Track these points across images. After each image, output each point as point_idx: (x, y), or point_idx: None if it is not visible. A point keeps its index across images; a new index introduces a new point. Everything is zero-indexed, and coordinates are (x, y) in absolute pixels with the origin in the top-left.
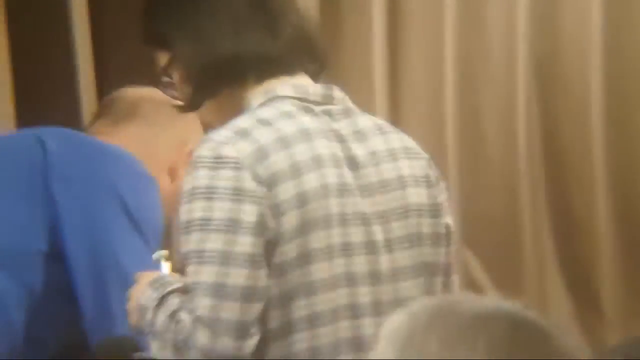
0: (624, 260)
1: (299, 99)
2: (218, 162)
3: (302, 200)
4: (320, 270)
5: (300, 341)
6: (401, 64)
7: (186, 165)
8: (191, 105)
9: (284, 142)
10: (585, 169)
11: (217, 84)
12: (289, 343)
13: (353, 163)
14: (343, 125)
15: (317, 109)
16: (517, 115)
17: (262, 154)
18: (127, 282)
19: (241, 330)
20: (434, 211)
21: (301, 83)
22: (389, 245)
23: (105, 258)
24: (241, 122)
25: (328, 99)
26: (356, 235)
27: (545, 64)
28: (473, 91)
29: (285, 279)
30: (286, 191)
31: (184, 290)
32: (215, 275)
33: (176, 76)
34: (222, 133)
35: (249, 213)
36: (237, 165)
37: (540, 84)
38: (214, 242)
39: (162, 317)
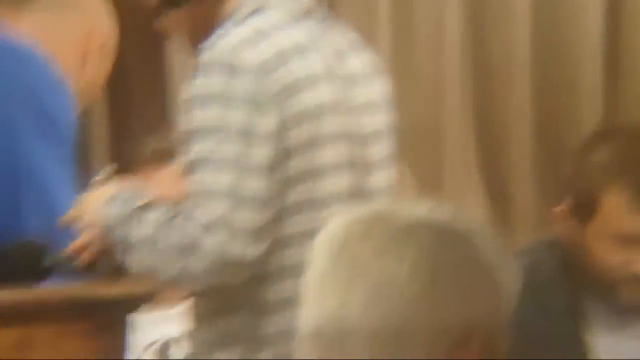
0: (538, 171)
1: (290, 9)
2: (234, 68)
3: (300, 119)
4: (329, 184)
5: (294, 255)
6: None
7: (97, 52)
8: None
9: (300, 51)
10: (510, 86)
11: None
12: (283, 255)
13: (344, 80)
14: (329, 39)
15: (311, 19)
16: (446, 31)
17: (281, 59)
18: (40, 183)
19: (255, 235)
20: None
21: None
22: (372, 165)
23: (19, 160)
24: (243, 29)
25: (314, 10)
26: (346, 155)
27: None
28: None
29: (292, 191)
30: (290, 108)
31: (165, 201)
32: (231, 181)
33: None
34: (235, 37)
35: (265, 123)
36: (256, 71)
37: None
38: (230, 150)
39: (147, 229)
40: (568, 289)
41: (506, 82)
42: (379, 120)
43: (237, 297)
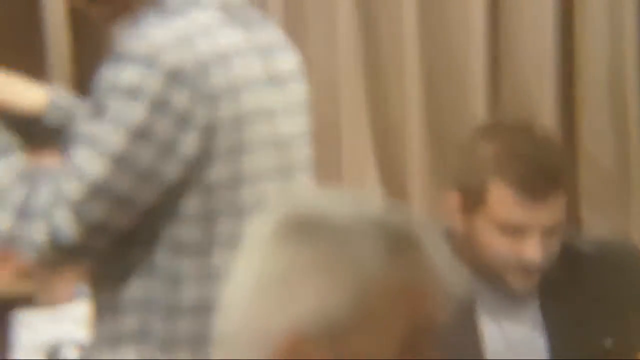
0: (431, 162)
1: (222, 6)
2: (154, 65)
3: (238, 122)
4: (249, 194)
5: (221, 258)
6: None
7: None
8: None
9: (223, 57)
10: (401, 77)
11: None
12: (208, 259)
13: (275, 81)
14: (261, 38)
15: (240, 18)
16: (338, 27)
17: (203, 68)
18: None
19: (99, 229)
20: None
21: None
22: (300, 168)
23: None
24: (178, 23)
25: (244, 7)
26: (278, 158)
27: None
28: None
29: (211, 197)
30: (225, 110)
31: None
32: (106, 173)
33: None
34: (160, 33)
35: (166, 125)
36: (176, 77)
37: None
38: (117, 143)
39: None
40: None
41: (398, 77)
42: (302, 121)
43: (132, 295)
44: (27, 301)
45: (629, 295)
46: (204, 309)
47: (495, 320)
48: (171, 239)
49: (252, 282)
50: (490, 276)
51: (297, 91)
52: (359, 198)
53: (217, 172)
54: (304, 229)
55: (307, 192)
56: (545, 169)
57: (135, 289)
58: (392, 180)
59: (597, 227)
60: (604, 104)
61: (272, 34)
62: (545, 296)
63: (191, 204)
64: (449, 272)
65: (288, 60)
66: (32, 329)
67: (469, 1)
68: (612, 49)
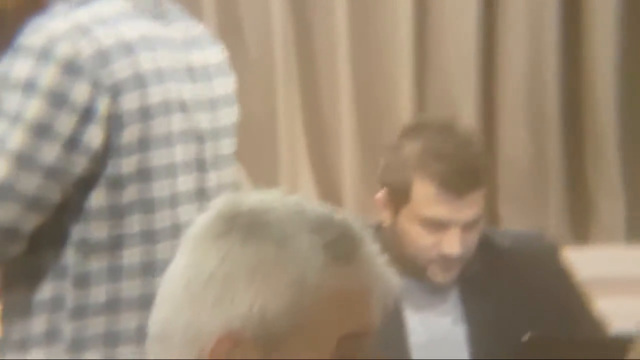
0: (362, 161)
1: None
2: (48, 57)
3: (145, 114)
4: (160, 188)
5: (132, 256)
6: None
7: None
8: None
9: (127, 48)
10: (333, 82)
11: None
12: (118, 257)
13: (191, 75)
14: (177, 32)
15: (154, 10)
16: (273, 24)
17: (104, 58)
18: None
19: (11, 235)
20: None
21: None
22: (216, 162)
23: None
24: (79, 14)
25: (161, 1)
26: (192, 153)
27: None
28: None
29: (120, 192)
30: (130, 102)
31: None
32: (9, 173)
33: None
34: (56, 24)
35: (66, 122)
36: (73, 68)
37: None
38: (16, 141)
39: None
40: None
41: (330, 82)
42: (224, 115)
43: (45, 296)
44: None
45: (545, 286)
46: (114, 308)
47: (419, 313)
48: (79, 238)
49: (186, 279)
50: (414, 270)
51: (219, 85)
52: (298, 199)
53: (125, 165)
54: (243, 228)
55: (247, 192)
56: (466, 167)
57: (44, 290)
58: (326, 182)
59: (514, 223)
60: (523, 104)
61: (191, 28)
62: (466, 289)
63: (99, 200)
64: (386, 274)
65: (208, 55)
66: None
67: (396, 10)
68: (531, 52)
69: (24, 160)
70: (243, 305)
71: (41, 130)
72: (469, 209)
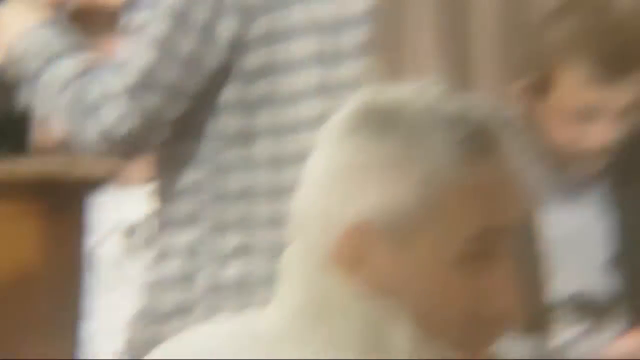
0: (502, 46)
1: None
2: None
3: (274, 6)
4: (288, 83)
5: (263, 148)
6: None
7: None
8: None
9: None
10: None
11: None
12: (250, 149)
13: None
14: None
15: None
16: None
17: None
18: None
19: (153, 120)
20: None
21: None
22: (349, 56)
23: None
24: None
25: None
26: (325, 45)
27: None
28: None
29: (250, 87)
30: None
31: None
32: (153, 60)
33: None
34: None
35: (203, 9)
36: None
37: None
38: (163, 28)
39: (57, 75)
40: None
41: None
42: (350, 4)
43: (201, 181)
44: (103, 182)
45: None
46: (249, 195)
47: (559, 206)
48: (214, 129)
49: (321, 171)
50: (555, 162)
51: None
52: (438, 91)
53: (255, 59)
54: (377, 123)
55: (385, 85)
56: (626, 44)
57: (187, 176)
58: (459, 69)
59: None
60: None
61: None
62: (611, 183)
63: (230, 94)
64: (527, 168)
65: None
66: (109, 210)
67: None
68: None
69: (166, 49)
70: (373, 197)
71: (182, 20)
72: (625, 93)
